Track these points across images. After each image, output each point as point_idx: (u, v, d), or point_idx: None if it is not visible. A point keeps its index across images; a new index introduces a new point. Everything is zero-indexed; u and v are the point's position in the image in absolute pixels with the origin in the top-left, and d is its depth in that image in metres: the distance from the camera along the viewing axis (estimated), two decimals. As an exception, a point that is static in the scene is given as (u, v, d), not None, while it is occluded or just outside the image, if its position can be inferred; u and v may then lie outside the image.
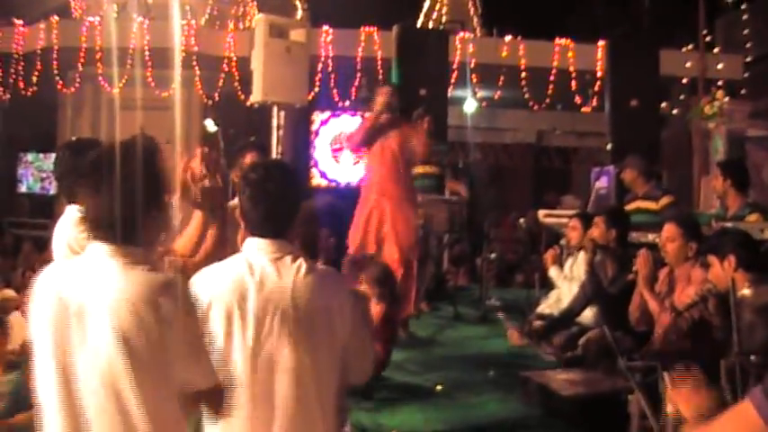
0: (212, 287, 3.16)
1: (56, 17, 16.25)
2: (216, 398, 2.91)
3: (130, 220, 2.60)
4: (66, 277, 2.66)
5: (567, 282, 8.01)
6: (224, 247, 3.74)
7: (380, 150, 8.43)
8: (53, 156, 4.42)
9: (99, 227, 2.64)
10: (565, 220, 8.92)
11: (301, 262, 3.23)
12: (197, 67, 15.69)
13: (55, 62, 15.97)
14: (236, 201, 3.70)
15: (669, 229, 5.86)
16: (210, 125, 13.64)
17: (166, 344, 2.56)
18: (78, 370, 2.55)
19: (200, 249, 3.81)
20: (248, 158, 5.19)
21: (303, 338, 3.13)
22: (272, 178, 3.31)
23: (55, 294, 2.61)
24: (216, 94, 15.77)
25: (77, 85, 16.18)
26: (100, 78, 15.69)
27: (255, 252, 3.24)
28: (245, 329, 3.10)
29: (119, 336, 2.51)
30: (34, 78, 16.34)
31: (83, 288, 2.59)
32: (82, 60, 15.76)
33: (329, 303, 3.23)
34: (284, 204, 3.32)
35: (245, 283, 3.15)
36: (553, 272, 8.25)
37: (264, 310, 3.12)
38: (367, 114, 8.87)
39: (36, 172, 18.95)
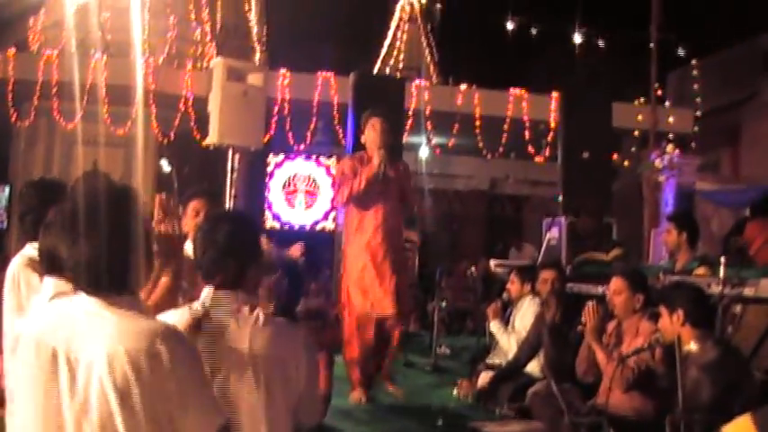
0: None
1: (13, 49, 16.14)
2: None
3: (115, 267, 2.55)
4: (53, 325, 2.56)
5: (506, 335, 8.02)
6: (176, 297, 3.69)
7: (383, 190, 7.42)
8: (6, 188, 4.38)
9: (82, 275, 2.57)
10: (516, 271, 8.94)
11: (258, 313, 3.20)
12: (154, 106, 15.59)
13: (10, 94, 15.84)
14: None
15: (615, 282, 5.90)
16: (165, 165, 13.58)
17: (167, 395, 2.46)
18: (67, 425, 2.46)
19: (151, 297, 3.76)
20: (193, 206, 5.07)
21: (259, 390, 3.09)
22: (222, 228, 3.29)
23: (42, 342, 2.49)
24: (172, 133, 15.67)
25: (32, 118, 16.04)
26: (55, 113, 15.55)
27: (211, 301, 3.22)
28: None
29: (116, 389, 2.42)
30: (-12, 110, 16.21)
31: (73, 337, 2.47)
32: (38, 94, 15.64)
33: (285, 355, 3.20)
34: (235, 254, 3.28)
35: (200, 332, 3.12)
36: (494, 326, 8.23)
37: (219, 361, 3.09)
38: (346, 156, 8.45)
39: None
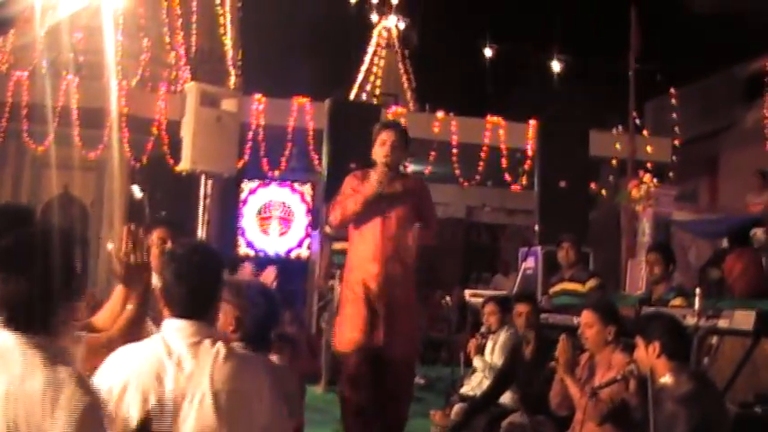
0: (128, 369, 3.11)
1: (-19, 70, 16.10)
2: None
3: (39, 309, 2.55)
4: None
5: (493, 370, 7.97)
6: (141, 326, 3.69)
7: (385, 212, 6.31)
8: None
9: (3, 311, 2.58)
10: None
11: (220, 346, 3.21)
12: (126, 129, 15.53)
13: (-21, 116, 15.76)
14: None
15: (586, 315, 5.88)
16: (137, 191, 13.54)
17: None
18: None
19: (118, 321, 3.76)
20: (157, 234, 5.04)
21: (221, 424, 3.08)
22: (196, 257, 3.31)
23: None
24: (144, 158, 15.64)
25: (1, 140, 15.95)
26: (25, 135, 15.46)
27: (174, 334, 3.21)
28: (162, 414, 3.05)
29: (7, 428, 2.44)
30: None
31: None
32: (7, 116, 15.55)
33: (248, 388, 3.21)
34: (206, 285, 3.31)
35: (162, 365, 3.11)
36: (477, 362, 8.20)
37: (182, 394, 3.08)
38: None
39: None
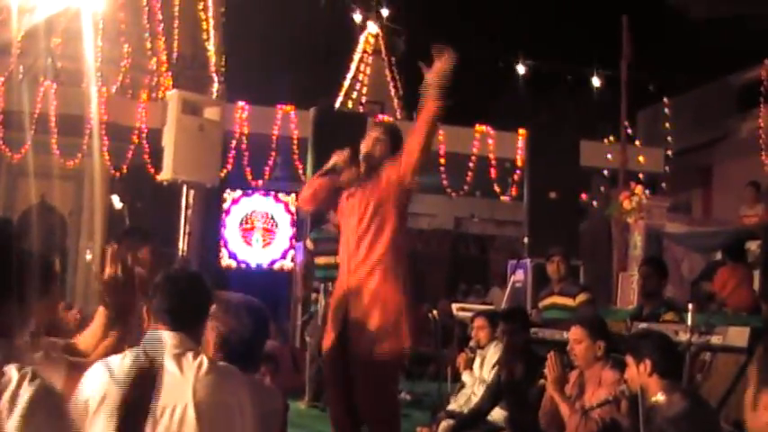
0: (106, 381, 3.12)
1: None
2: None
3: None
4: None
5: (482, 385, 7.96)
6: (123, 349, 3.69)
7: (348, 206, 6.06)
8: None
9: None
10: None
11: (203, 358, 3.23)
12: (106, 137, 15.48)
13: (-49, 123, 15.69)
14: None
15: (575, 331, 5.88)
16: (116, 201, 13.49)
17: None
18: None
19: (99, 348, 3.75)
20: (145, 253, 5.01)
21: (202, 436, 3.09)
22: (188, 274, 3.45)
23: None
24: (124, 167, 15.60)
25: (-25, 148, 15.89)
26: (0, 142, 15.39)
27: (156, 345, 3.23)
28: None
29: None
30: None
31: None
32: (-19, 123, 15.50)
33: (230, 401, 3.24)
34: (196, 299, 3.38)
35: (143, 374, 3.13)
36: (467, 378, 8.21)
37: (162, 407, 3.09)
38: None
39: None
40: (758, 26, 16.52)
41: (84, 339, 3.94)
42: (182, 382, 3.14)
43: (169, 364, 3.18)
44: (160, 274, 3.42)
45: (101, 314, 3.90)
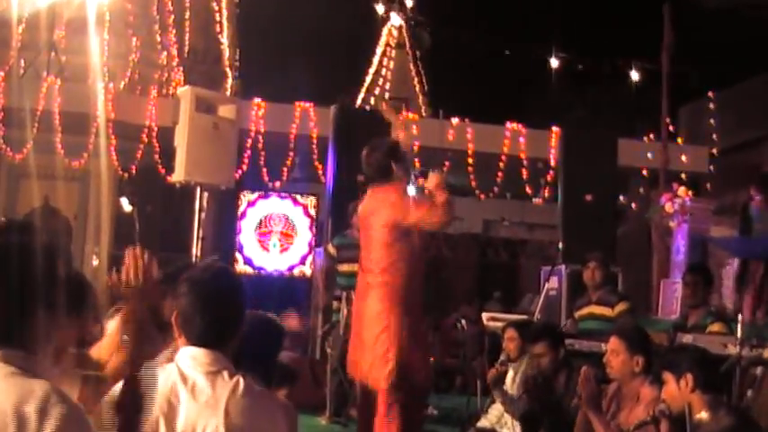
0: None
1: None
2: None
3: (11, 322, 2.55)
4: None
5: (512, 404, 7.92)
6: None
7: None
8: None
9: None
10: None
11: (239, 379, 3.25)
12: (113, 136, 15.55)
13: (-51, 121, 15.76)
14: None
15: (613, 342, 5.86)
16: (125, 204, 13.55)
17: None
18: None
19: (113, 361, 3.77)
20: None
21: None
22: (216, 284, 3.37)
23: None
24: (133, 168, 15.64)
25: (-27, 147, 15.95)
26: (1, 141, 15.46)
27: (189, 363, 3.26)
28: None
29: None
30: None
31: None
32: (-20, 120, 15.57)
33: (264, 428, 3.27)
34: (227, 314, 3.37)
35: (175, 394, 3.17)
36: (498, 394, 8.17)
37: (194, 423, 3.14)
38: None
39: None
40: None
41: (99, 350, 3.97)
42: (213, 401, 3.17)
43: (200, 381, 3.21)
44: (185, 280, 3.40)
45: (117, 323, 3.92)
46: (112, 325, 3.97)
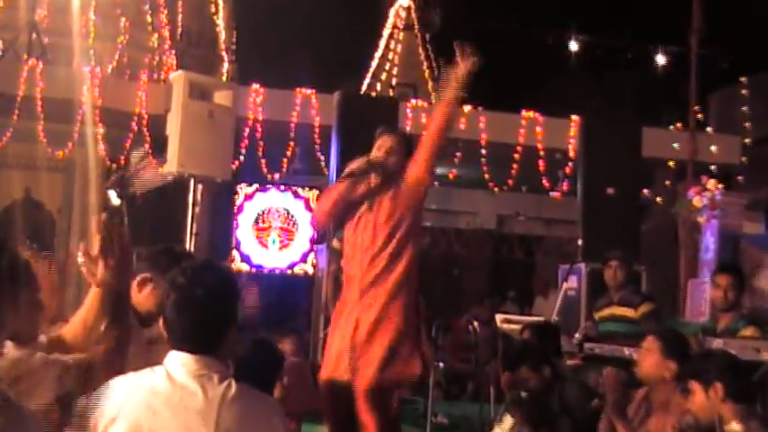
0: (122, 397, 3.20)
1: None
2: None
3: None
4: None
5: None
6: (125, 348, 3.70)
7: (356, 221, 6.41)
8: None
9: None
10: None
11: (231, 383, 3.27)
12: (100, 124, 15.50)
13: None
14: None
15: (648, 341, 5.83)
16: (113, 197, 13.56)
17: None
18: None
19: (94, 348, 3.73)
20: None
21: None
22: (202, 282, 3.35)
23: None
24: (122, 158, 15.64)
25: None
26: (-22, 129, 15.47)
27: (178, 368, 3.27)
28: None
29: None
30: None
31: None
32: (-45, 106, 15.56)
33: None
34: (215, 317, 3.36)
35: (162, 397, 3.19)
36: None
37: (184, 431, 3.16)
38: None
39: None
40: None
41: (74, 328, 3.84)
42: (204, 406, 3.19)
43: (190, 384, 3.23)
44: (170, 289, 3.38)
45: (94, 296, 3.77)
46: (91, 299, 3.86)
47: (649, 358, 5.76)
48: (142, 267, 4.40)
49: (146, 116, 15.58)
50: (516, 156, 16.70)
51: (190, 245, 11.36)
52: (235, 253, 16.82)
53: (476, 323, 12.36)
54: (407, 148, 6.44)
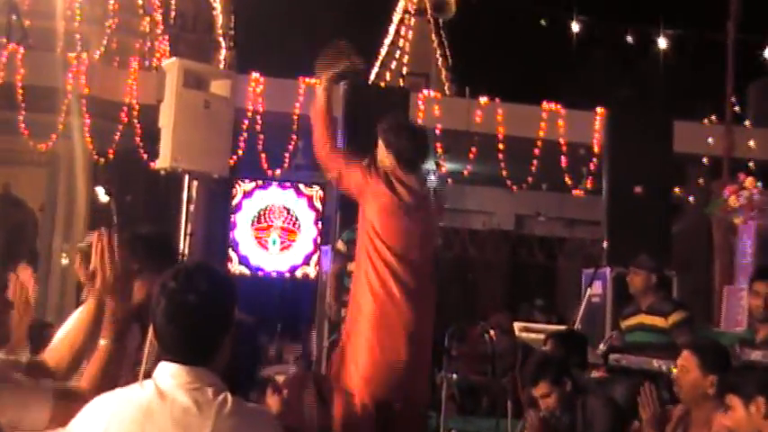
0: (107, 414, 3.17)
1: None
2: None
3: None
4: None
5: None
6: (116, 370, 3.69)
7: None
8: None
9: None
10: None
11: (226, 397, 3.22)
12: (87, 115, 15.50)
13: None
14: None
15: (684, 357, 5.76)
16: (101, 194, 13.55)
17: None
18: None
19: (89, 370, 3.74)
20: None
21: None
22: (195, 287, 3.30)
23: None
24: (110, 152, 15.63)
25: None
26: (-48, 120, 15.47)
27: (168, 380, 3.23)
28: None
29: None
30: None
31: None
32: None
33: None
34: (207, 325, 3.31)
35: (151, 411, 3.15)
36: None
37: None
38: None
39: None
40: None
41: (58, 351, 3.85)
42: (198, 422, 3.15)
43: (181, 398, 3.18)
44: (159, 296, 3.31)
45: (87, 312, 3.80)
46: (83, 318, 3.86)
47: (688, 375, 5.68)
48: (134, 258, 4.37)
49: (136, 106, 15.60)
50: (536, 151, 16.70)
51: (183, 246, 11.35)
52: (232, 254, 16.84)
53: (492, 332, 12.34)
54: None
